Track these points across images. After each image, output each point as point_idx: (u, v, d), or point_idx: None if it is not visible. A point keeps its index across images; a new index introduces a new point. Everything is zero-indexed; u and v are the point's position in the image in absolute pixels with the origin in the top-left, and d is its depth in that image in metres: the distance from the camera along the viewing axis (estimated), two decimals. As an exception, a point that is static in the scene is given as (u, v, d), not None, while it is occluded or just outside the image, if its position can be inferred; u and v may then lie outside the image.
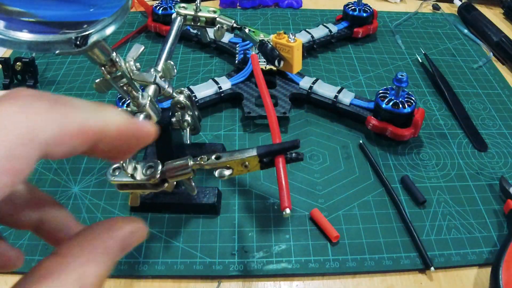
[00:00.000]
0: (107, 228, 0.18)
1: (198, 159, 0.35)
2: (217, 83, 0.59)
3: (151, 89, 0.39)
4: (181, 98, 0.41)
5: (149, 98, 0.36)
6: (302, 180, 0.50)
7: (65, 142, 0.16)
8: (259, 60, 0.61)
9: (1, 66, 0.64)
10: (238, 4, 0.85)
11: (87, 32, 0.22)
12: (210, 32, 0.56)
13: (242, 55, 0.63)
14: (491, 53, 0.73)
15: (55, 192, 0.49)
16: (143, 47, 0.35)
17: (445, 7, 0.86)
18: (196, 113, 0.44)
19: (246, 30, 0.53)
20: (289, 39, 0.52)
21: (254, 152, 0.35)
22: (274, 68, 0.60)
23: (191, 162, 0.34)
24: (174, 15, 0.51)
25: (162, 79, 0.40)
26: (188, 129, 0.43)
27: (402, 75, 0.52)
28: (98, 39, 0.23)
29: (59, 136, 0.16)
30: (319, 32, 0.71)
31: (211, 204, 0.46)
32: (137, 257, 0.43)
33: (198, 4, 0.51)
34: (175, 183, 0.35)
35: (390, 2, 0.88)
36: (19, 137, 0.14)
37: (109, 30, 0.24)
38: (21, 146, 0.14)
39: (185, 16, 0.51)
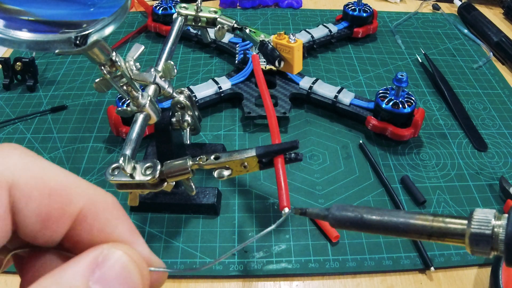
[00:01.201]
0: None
1: (197, 159, 0.35)
2: (217, 83, 0.59)
3: (151, 89, 0.39)
4: (181, 98, 0.41)
5: (149, 98, 0.36)
6: (302, 180, 0.50)
7: (35, 196, 0.15)
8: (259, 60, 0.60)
9: (1, 66, 0.64)
10: (238, 4, 0.85)
11: (86, 32, 0.22)
12: (211, 32, 0.56)
13: (242, 55, 0.63)
14: (491, 53, 0.72)
15: (55, 192, 0.49)
16: (143, 47, 0.35)
17: (445, 7, 0.86)
18: (196, 113, 0.44)
19: (247, 31, 0.53)
20: (290, 40, 0.52)
21: (253, 153, 0.35)
22: (274, 68, 0.60)
23: (190, 162, 0.34)
24: (175, 15, 0.51)
25: (162, 79, 0.40)
26: (188, 129, 0.43)
27: (402, 75, 0.52)
28: (97, 38, 0.23)
29: (32, 185, 0.14)
30: (319, 32, 0.71)
31: (210, 204, 0.46)
32: (137, 257, 0.43)
33: (199, 5, 0.51)
34: (174, 183, 0.35)
35: (390, 2, 0.88)
36: None
37: (109, 30, 0.24)
38: None
39: (186, 16, 0.51)
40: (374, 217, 0.23)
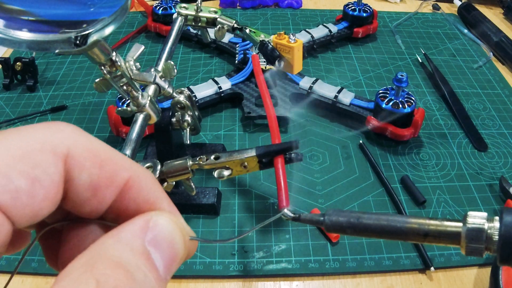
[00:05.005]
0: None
1: (197, 159, 0.35)
2: (217, 83, 0.59)
3: (151, 89, 0.39)
4: (181, 98, 0.41)
5: (149, 98, 0.36)
6: (302, 180, 0.50)
7: (88, 166, 0.16)
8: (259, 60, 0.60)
9: (1, 66, 0.64)
10: (238, 4, 0.85)
11: (86, 32, 0.22)
12: (211, 32, 0.56)
13: (242, 55, 0.63)
14: (491, 53, 0.72)
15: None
16: (143, 47, 0.35)
17: (445, 7, 0.86)
18: (196, 113, 0.44)
19: (247, 31, 0.53)
20: (290, 40, 0.52)
21: (253, 153, 0.35)
22: (274, 68, 0.59)
23: (190, 162, 0.34)
24: (175, 15, 0.51)
25: (162, 79, 0.40)
26: (188, 129, 0.43)
27: (402, 75, 0.52)
28: (97, 38, 0.23)
29: (85, 156, 0.15)
30: (319, 32, 0.71)
31: (210, 204, 0.46)
32: (137, 257, 0.43)
33: (199, 5, 0.51)
34: (174, 183, 0.35)
35: (390, 2, 0.88)
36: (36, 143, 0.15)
37: (109, 30, 0.24)
38: (38, 152, 0.14)
39: (186, 16, 0.51)
40: (370, 220, 0.24)
